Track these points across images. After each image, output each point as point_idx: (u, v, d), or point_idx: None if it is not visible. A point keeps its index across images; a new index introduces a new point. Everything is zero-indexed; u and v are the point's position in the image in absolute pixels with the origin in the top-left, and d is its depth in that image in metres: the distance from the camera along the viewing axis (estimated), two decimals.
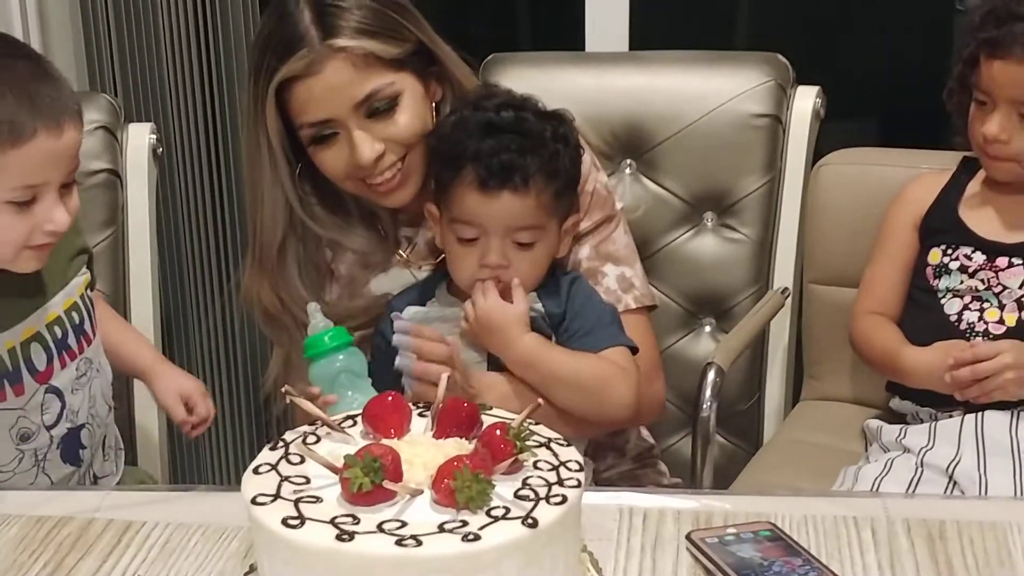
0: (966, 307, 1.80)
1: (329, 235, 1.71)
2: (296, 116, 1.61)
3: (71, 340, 1.55)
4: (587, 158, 1.69)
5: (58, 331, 1.54)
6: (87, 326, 1.58)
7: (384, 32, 1.59)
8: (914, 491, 1.65)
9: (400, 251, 1.74)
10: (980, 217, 1.83)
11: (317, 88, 1.58)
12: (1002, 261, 1.79)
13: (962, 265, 1.81)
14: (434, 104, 1.66)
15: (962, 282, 1.80)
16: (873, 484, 1.68)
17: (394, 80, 1.60)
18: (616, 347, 1.60)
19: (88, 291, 1.61)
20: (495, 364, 1.59)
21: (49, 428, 1.56)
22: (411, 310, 1.63)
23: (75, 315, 1.56)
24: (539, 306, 1.60)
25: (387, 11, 1.61)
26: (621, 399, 1.59)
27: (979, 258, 1.80)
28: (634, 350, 1.63)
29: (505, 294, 1.56)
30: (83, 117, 1.45)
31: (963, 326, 1.79)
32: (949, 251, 1.82)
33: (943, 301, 1.81)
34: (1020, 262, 1.78)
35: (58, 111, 1.37)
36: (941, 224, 1.85)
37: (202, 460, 2.79)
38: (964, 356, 1.71)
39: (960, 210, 1.85)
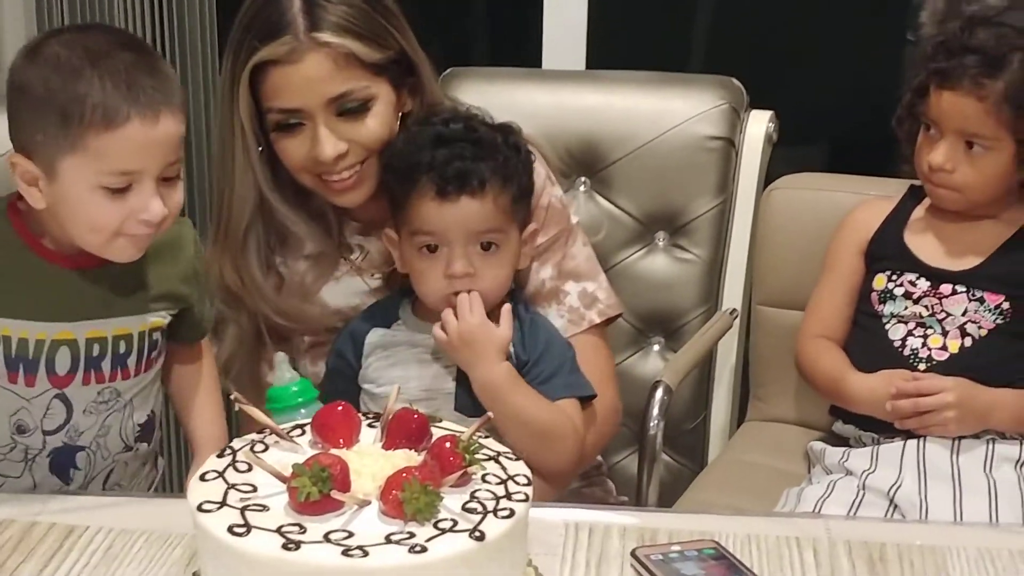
0: (910, 333, 1.82)
1: (289, 225, 1.70)
2: (266, 100, 1.61)
3: (105, 364, 1.51)
4: (542, 172, 1.70)
5: (96, 348, 1.50)
6: (130, 361, 1.54)
7: (369, 35, 1.60)
8: (855, 514, 1.67)
9: (351, 257, 1.74)
10: (925, 244, 1.86)
11: (294, 77, 1.58)
12: (946, 288, 1.81)
13: (906, 291, 1.83)
14: (400, 115, 1.66)
15: (906, 308, 1.82)
16: (815, 506, 1.70)
17: (370, 84, 1.60)
18: (571, 399, 1.61)
19: (157, 334, 1.57)
20: (464, 384, 1.58)
21: (46, 433, 1.51)
22: (377, 332, 1.63)
23: (122, 344, 1.52)
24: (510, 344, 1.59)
25: (376, 15, 1.61)
26: (564, 455, 1.59)
27: (923, 284, 1.82)
28: (591, 397, 1.64)
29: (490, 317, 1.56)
30: (185, 113, 1.45)
31: (907, 352, 1.81)
32: (894, 277, 1.85)
33: (887, 326, 1.84)
34: (963, 289, 1.80)
35: (156, 101, 1.38)
36: (886, 250, 1.87)
37: None
38: (907, 388, 1.73)
39: (905, 236, 1.87)
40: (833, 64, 3.06)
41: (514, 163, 1.58)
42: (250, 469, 1.18)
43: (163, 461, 1.70)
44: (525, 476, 1.21)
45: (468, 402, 1.57)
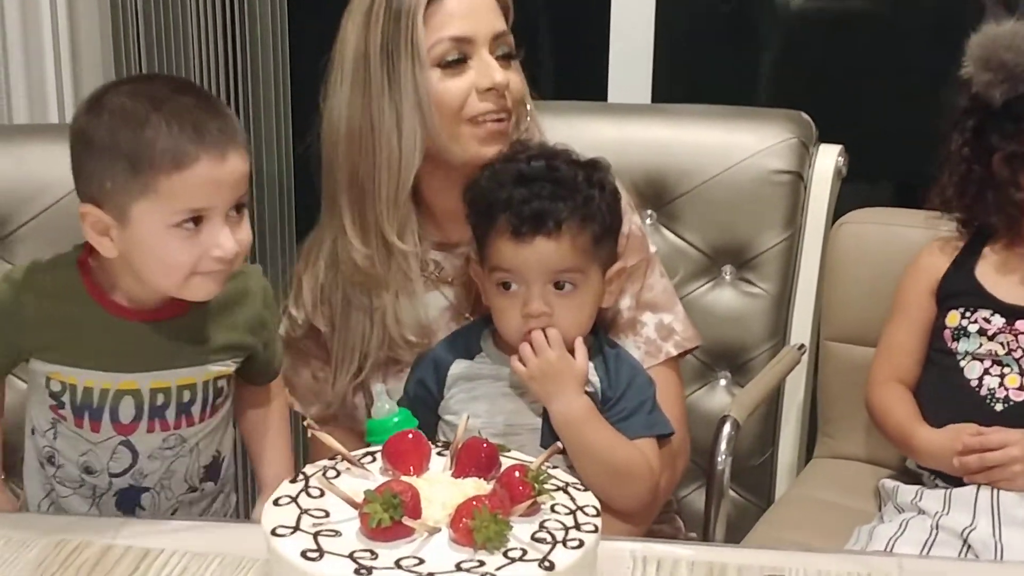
0: (986, 371, 1.79)
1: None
2: (437, 30, 1.61)
3: (169, 413, 1.54)
4: (623, 200, 1.70)
5: (160, 398, 1.53)
6: (195, 409, 1.56)
7: None
8: (928, 553, 1.64)
9: (428, 272, 1.74)
10: (998, 280, 1.84)
11: (467, 4, 1.62)
12: (1022, 324, 1.79)
13: (981, 328, 1.81)
14: None
15: (981, 345, 1.80)
16: (887, 544, 1.67)
17: (510, 33, 1.67)
18: (650, 439, 1.60)
19: (223, 382, 1.59)
20: (550, 420, 1.57)
21: (112, 475, 1.55)
22: (461, 364, 1.63)
23: (186, 393, 1.55)
24: (596, 379, 1.59)
25: None
26: (638, 495, 1.59)
27: (998, 321, 1.80)
28: (670, 435, 1.63)
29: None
30: (248, 151, 1.49)
31: (983, 391, 1.78)
32: (967, 314, 1.83)
33: (963, 364, 1.81)
34: None
35: (222, 141, 1.42)
36: (958, 287, 1.85)
37: None
38: (972, 443, 1.71)
39: (977, 273, 1.85)
40: (900, 99, 3.05)
41: (597, 202, 1.57)
42: (322, 495, 1.19)
43: (235, 497, 1.71)
44: (594, 507, 1.21)
45: (553, 438, 1.55)
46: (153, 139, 1.39)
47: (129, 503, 1.56)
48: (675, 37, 2.77)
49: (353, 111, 1.64)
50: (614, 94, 2.68)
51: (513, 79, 1.65)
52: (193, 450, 1.58)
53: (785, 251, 2.07)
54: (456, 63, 1.62)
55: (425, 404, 1.62)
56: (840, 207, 2.11)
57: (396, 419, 1.50)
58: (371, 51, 1.62)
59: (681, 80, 2.90)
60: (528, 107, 1.71)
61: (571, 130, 2.08)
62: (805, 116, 2.12)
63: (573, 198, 1.55)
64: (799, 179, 2.07)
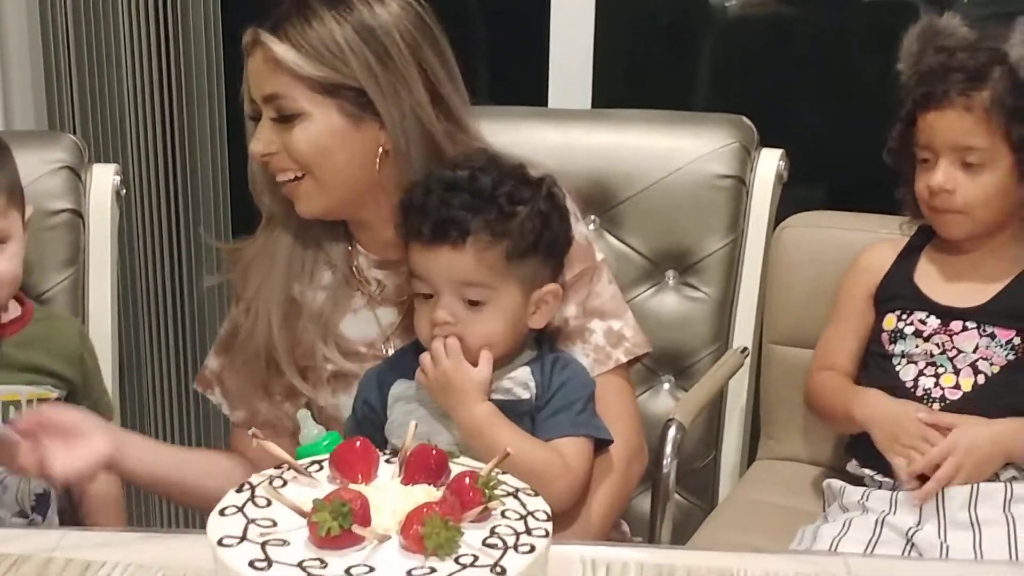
0: (921, 372, 1.82)
1: (301, 249, 1.72)
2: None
3: None
4: (567, 208, 1.69)
5: None
6: None
7: (316, 55, 1.58)
8: (872, 552, 1.66)
9: (370, 290, 1.73)
10: (934, 282, 1.86)
11: (250, 66, 1.64)
12: (956, 325, 1.81)
13: (917, 330, 1.83)
14: (382, 150, 1.63)
15: (917, 346, 1.82)
16: (832, 544, 1.68)
17: (298, 97, 1.59)
18: (574, 438, 1.57)
19: (46, 404, 1.67)
20: None
21: None
22: (401, 384, 1.61)
23: (11, 410, 1.64)
24: (532, 384, 1.57)
25: (345, 43, 1.59)
26: (554, 495, 1.49)
27: (933, 323, 1.82)
28: (607, 442, 1.62)
29: (474, 361, 1.54)
30: (1, 184, 1.62)
31: (919, 392, 1.80)
32: (904, 316, 1.85)
33: (898, 367, 1.83)
34: (974, 326, 1.80)
35: None
36: (896, 290, 1.87)
37: (151, 505, 2.75)
38: (927, 419, 1.74)
39: (915, 276, 1.87)
40: (838, 102, 3.08)
41: (518, 220, 1.53)
42: (269, 504, 1.17)
43: None
44: (544, 512, 1.20)
45: None
46: None
47: None
48: (615, 42, 2.78)
49: None
50: (555, 99, 2.68)
51: (289, 140, 1.61)
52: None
53: (727, 255, 2.08)
54: (254, 119, 1.66)
55: (372, 424, 1.60)
56: (781, 211, 2.13)
57: (326, 443, 1.48)
58: None
59: (621, 85, 2.91)
60: (397, 143, 1.63)
61: (514, 136, 2.08)
62: (746, 120, 2.13)
63: (487, 210, 1.52)
64: (741, 183, 2.08)
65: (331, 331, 1.71)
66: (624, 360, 1.70)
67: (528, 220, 1.54)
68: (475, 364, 1.54)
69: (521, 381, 1.57)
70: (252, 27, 1.62)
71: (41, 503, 1.68)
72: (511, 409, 1.55)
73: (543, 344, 1.63)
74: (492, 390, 1.56)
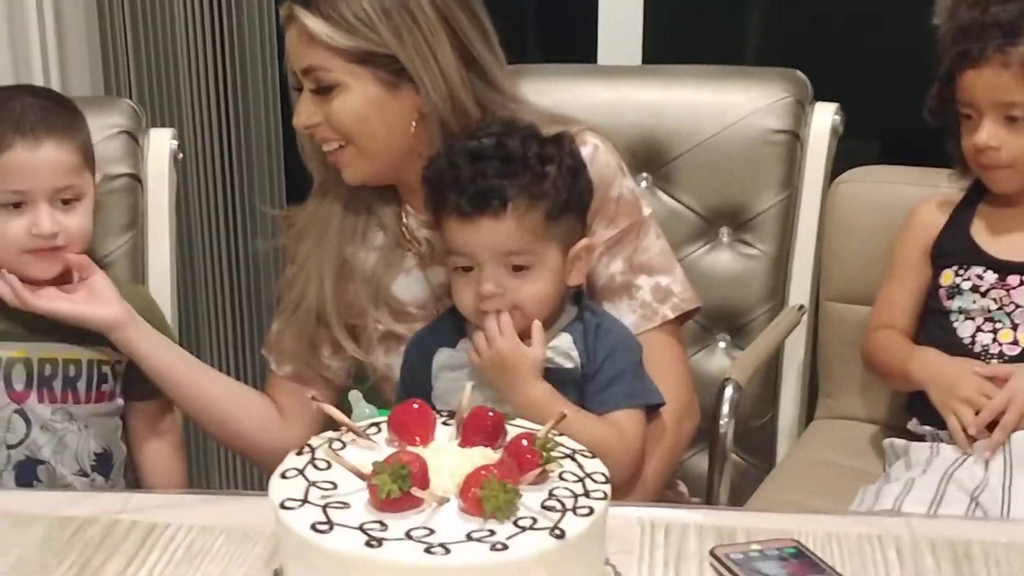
0: (979, 328, 1.80)
1: (352, 211, 1.74)
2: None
3: (56, 385, 1.68)
4: (612, 162, 1.68)
5: (48, 369, 1.68)
6: (80, 385, 1.70)
7: (348, 25, 1.59)
8: (935, 511, 1.64)
9: (420, 250, 1.73)
10: (991, 237, 1.83)
11: (288, 39, 1.66)
12: (1013, 279, 1.79)
13: (974, 285, 1.81)
14: (419, 113, 1.64)
15: (974, 302, 1.80)
16: (894, 503, 1.67)
17: (334, 69, 1.61)
18: (628, 409, 1.57)
19: (106, 369, 1.72)
20: None
21: (9, 447, 1.66)
22: (444, 353, 1.60)
23: (72, 368, 1.69)
24: (575, 354, 1.56)
25: (372, 11, 1.59)
26: (617, 471, 1.49)
27: (991, 277, 1.80)
28: (659, 405, 1.61)
29: (524, 335, 1.53)
30: (76, 140, 1.67)
31: (977, 348, 1.79)
32: (961, 271, 1.83)
33: (955, 323, 1.81)
34: None
35: (40, 130, 1.62)
36: (952, 246, 1.85)
37: (211, 466, 2.79)
38: (985, 371, 1.73)
39: (972, 230, 1.85)
40: (894, 55, 3.03)
41: (551, 179, 1.52)
42: (329, 467, 1.19)
43: None
44: (603, 474, 1.21)
45: None
46: None
47: (27, 476, 1.66)
48: None
49: None
50: (604, 56, 2.66)
51: (329, 111, 1.63)
52: (82, 430, 1.69)
53: (782, 211, 2.06)
54: (298, 89, 1.67)
55: (420, 391, 1.58)
56: (836, 165, 2.10)
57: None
58: None
59: (671, 41, 2.88)
60: (442, 98, 1.63)
61: (563, 93, 2.08)
62: (800, 74, 2.10)
63: (521, 175, 1.51)
64: (795, 138, 2.06)
65: (382, 293, 1.72)
66: (672, 316, 1.69)
67: (560, 178, 1.54)
68: (526, 336, 1.53)
69: (563, 351, 1.55)
70: (287, 1, 1.63)
71: (102, 462, 1.71)
72: (555, 377, 1.54)
73: (581, 302, 1.61)
74: None
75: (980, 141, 1.76)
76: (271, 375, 1.82)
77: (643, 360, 1.61)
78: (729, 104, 2.09)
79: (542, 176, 1.52)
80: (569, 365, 1.55)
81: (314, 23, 1.59)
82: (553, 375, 1.54)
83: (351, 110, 1.62)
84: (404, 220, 1.74)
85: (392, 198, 1.74)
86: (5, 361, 1.66)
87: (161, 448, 1.80)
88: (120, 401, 1.75)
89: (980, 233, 1.84)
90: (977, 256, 1.82)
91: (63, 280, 1.68)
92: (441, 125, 1.64)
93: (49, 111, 1.66)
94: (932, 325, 1.86)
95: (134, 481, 1.78)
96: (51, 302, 1.65)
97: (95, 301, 1.68)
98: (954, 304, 1.82)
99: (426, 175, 1.58)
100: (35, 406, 1.67)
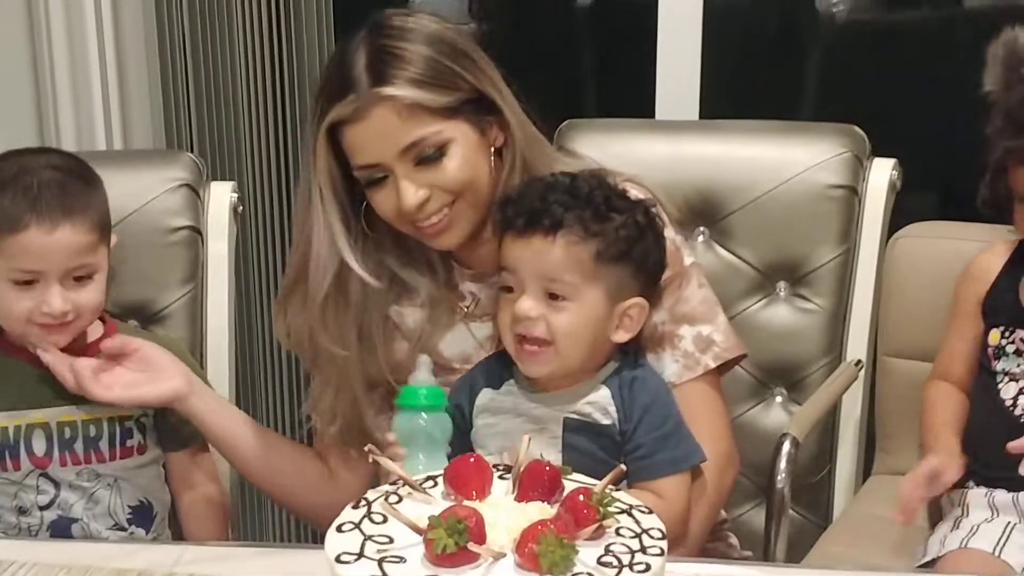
0: (1021, 391, 1.77)
1: (396, 271, 1.72)
2: (350, 159, 1.64)
3: (77, 447, 1.70)
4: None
5: (67, 432, 1.69)
6: (103, 444, 1.71)
7: (434, 81, 1.60)
8: (1000, 554, 1.61)
9: (464, 305, 1.74)
10: None
11: (365, 134, 1.60)
12: None
13: (1018, 348, 1.78)
14: (493, 149, 1.66)
15: (1019, 366, 1.77)
16: (961, 542, 1.65)
17: (442, 128, 1.60)
18: (675, 475, 1.55)
19: (130, 423, 1.73)
20: (570, 456, 1.53)
21: (41, 508, 1.69)
22: (486, 395, 1.60)
23: (92, 428, 1.70)
24: (612, 409, 1.55)
25: (442, 59, 1.61)
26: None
27: None
28: (701, 460, 1.59)
29: (556, 375, 1.54)
30: (94, 218, 1.65)
31: (1018, 411, 1.76)
32: (1007, 333, 1.80)
33: (999, 384, 1.79)
34: None
35: (57, 214, 1.61)
36: (999, 305, 1.83)
37: (264, 518, 2.80)
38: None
39: (1020, 291, 1.82)
40: (951, 110, 3.02)
41: (613, 225, 1.54)
42: (385, 520, 1.19)
43: None
44: (659, 530, 1.20)
45: (575, 470, 1.52)
46: (0, 203, 1.61)
47: (62, 536, 1.68)
48: (722, 53, 2.76)
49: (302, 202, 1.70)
50: (662, 111, 2.67)
51: (442, 178, 1.61)
52: (113, 486, 1.71)
53: (840, 266, 2.05)
54: (378, 180, 1.63)
55: (461, 429, 1.59)
56: (894, 220, 2.09)
57: (424, 392, 1.53)
58: (310, 164, 1.68)
59: (728, 97, 2.88)
60: (517, 157, 1.66)
61: (622, 147, 2.10)
62: (858, 130, 2.10)
63: (582, 208, 1.53)
64: (853, 193, 2.05)
65: (429, 351, 1.70)
66: (713, 365, 1.69)
67: (622, 227, 1.55)
68: (556, 359, 1.53)
69: (601, 406, 1.55)
70: (348, 97, 1.59)
71: (139, 515, 1.72)
72: (590, 430, 1.55)
73: (627, 353, 1.61)
74: (571, 411, 1.55)
75: None
76: (317, 436, 1.81)
77: (683, 409, 1.60)
78: (787, 159, 2.08)
79: (603, 217, 1.54)
80: (606, 422, 1.55)
81: (410, 93, 1.58)
82: (591, 429, 1.55)
83: (463, 162, 1.62)
84: (450, 273, 1.75)
85: (440, 254, 1.74)
86: (24, 428, 1.68)
87: (197, 498, 1.79)
88: (156, 451, 1.76)
89: None
90: (1022, 318, 1.79)
91: (75, 343, 1.69)
92: (521, 156, 1.66)
93: (67, 188, 1.65)
94: (979, 382, 1.84)
95: (174, 526, 1.79)
96: (111, 392, 1.65)
97: (155, 378, 1.68)
98: (999, 365, 1.80)
99: (499, 197, 1.61)
100: (58, 470, 1.69)
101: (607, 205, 1.55)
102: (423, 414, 1.52)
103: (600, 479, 1.47)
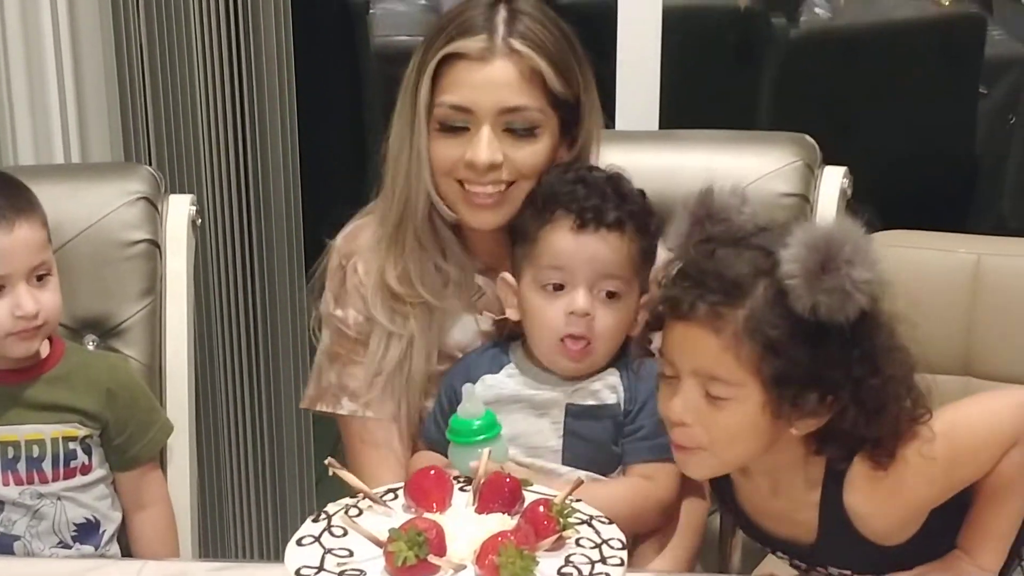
0: None
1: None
2: (442, 93, 1.62)
3: (20, 466, 1.68)
4: None
5: (10, 451, 1.68)
6: (45, 465, 1.69)
7: (560, 66, 1.63)
8: None
9: (473, 296, 1.74)
10: None
11: (478, 75, 1.60)
12: None
13: None
14: (553, 161, 1.68)
15: None
16: None
17: (543, 110, 1.62)
18: (668, 463, 1.54)
19: (74, 444, 1.71)
20: (571, 440, 1.57)
21: None
22: (487, 380, 1.61)
23: (35, 449, 1.69)
24: (620, 389, 1.59)
25: (571, 51, 1.65)
26: (648, 518, 1.58)
27: None
28: None
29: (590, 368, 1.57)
30: (42, 215, 1.67)
31: None
32: None
33: None
34: None
35: (10, 214, 1.62)
36: None
37: (226, 533, 2.79)
38: None
39: None
40: (900, 119, 3.06)
41: (654, 222, 1.61)
42: (346, 534, 1.20)
43: None
44: (619, 540, 1.22)
45: (573, 457, 1.56)
46: None
47: (2, 553, 1.66)
48: (679, 63, 2.78)
49: (395, 137, 1.69)
50: (622, 122, 2.69)
51: (519, 155, 1.62)
52: (56, 504, 1.69)
53: None
54: (456, 129, 1.62)
55: (454, 408, 1.57)
56: None
57: (477, 423, 1.44)
58: (406, 90, 1.66)
59: (686, 107, 2.91)
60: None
61: None
62: (809, 139, 2.11)
63: (631, 205, 1.59)
64: (805, 201, 2.07)
65: (442, 337, 1.71)
66: None
67: (654, 224, 1.60)
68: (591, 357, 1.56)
69: (610, 384, 1.59)
70: (480, 35, 1.60)
71: (85, 532, 1.71)
72: (594, 414, 1.58)
73: (626, 347, 1.63)
74: (579, 393, 1.58)
75: None
76: (361, 426, 1.71)
77: None
78: (740, 168, 2.08)
79: (647, 214, 1.60)
80: (612, 400, 1.58)
81: (539, 60, 1.60)
82: (592, 411, 1.58)
83: (541, 154, 1.64)
84: (467, 265, 1.74)
85: (460, 242, 1.73)
86: None
87: (146, 517, 1.77)
88: (102, 470, 1.74)
89: None
90: None
91: (28, 360, 1.69)
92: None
93: (9, 189, 1.67)
94: None
95: (124, 543, 1.76)
96: None
97: None
98: None
99: (540, 188, 1.61)
100: (1, 489, 1.67)
101: (645, 203, 1.63)
102: (479, 449, 1.41)
103: (598, 465, 1.51)
